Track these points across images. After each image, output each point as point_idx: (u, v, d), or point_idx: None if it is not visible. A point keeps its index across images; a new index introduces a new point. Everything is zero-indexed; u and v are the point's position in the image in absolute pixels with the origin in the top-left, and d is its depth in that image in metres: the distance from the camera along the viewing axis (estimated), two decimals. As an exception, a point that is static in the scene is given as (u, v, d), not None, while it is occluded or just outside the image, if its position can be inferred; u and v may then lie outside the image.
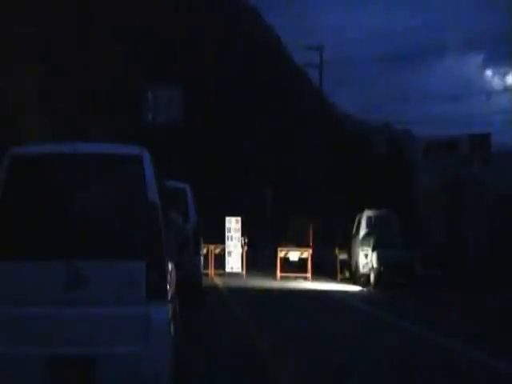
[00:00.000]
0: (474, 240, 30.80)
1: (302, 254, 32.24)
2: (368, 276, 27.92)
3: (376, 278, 27.18)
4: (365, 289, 27.00)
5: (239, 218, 33.95)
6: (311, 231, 33.50)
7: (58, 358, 6.72)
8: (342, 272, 31.62)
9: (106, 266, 6.91)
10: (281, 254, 31.90)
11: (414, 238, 28.99)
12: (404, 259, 27.08)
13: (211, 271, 31.36)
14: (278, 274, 31.02)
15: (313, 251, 31.89)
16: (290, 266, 32.53)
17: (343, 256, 31.65)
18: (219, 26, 73.41)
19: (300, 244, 33.13)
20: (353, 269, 30.60)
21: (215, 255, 32.38)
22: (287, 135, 70.06)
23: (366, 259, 28.09)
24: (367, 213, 30.04)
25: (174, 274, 8.43)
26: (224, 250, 33.11)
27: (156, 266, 6.93)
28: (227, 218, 33.92)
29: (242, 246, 33.30)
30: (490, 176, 33.22)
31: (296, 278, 30.63)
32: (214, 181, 58.39)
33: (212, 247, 31.74)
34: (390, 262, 26.83)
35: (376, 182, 45.19)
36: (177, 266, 9.07)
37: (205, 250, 27.52)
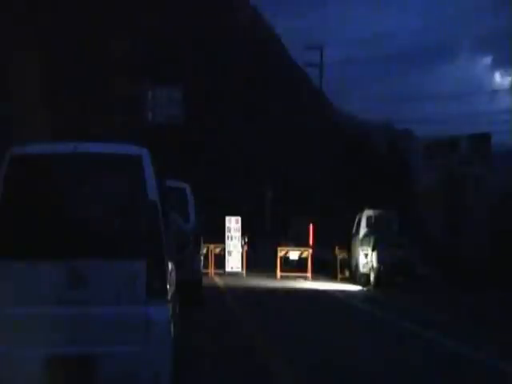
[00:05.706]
0: (473, 240, 30.80)
1: (302, 253, 32.24)
2: (368, 275, 27.92)
3: (376, 277, 27.17)
4: (365, 288, 26.99)
5: (239, 218, 33.94)
6: (311, 231, 33.48)
7: (58, 357, 6.73)
8: (342, 272, 31.60)
9: (106, 265, 6.91)
10: (281, 254, 31.89)
11: (414, 238, 28.97)
12: (404, 259, 27.07)
13: (211, 271, 31.34)
14: (278, 273, 31.01)
15: (313, 251, 31.89)
16: (290, 266, 32.52)
17: (343, 255, 31.65)
18: (219, 25, 73.41)
19: (300, 244, 33.12)
20: (353, 268, 30.58)
21: (215, 255, 32.36)
22: (287, 135, 70.06)
23: (366, 259, 28.10)
24: (367, 212, 30.02)
25: (173, 274, 8.43)
26: (224, 249, 33.09)
27: (156, 265, 6.93)
28: (227, 218, 33.91)
29: (242, 246, 33.29)
30: (490, 176, 33.20)
31: (296, 278, 30.61)
32: (214, 181, 58.39)
33: (212, 247, 31.73)
34: (389, 261, 26.83)
35: (376, 181, 45.18)
36: (177, 266, 9.07)
37: (205, 250, 27.51)
